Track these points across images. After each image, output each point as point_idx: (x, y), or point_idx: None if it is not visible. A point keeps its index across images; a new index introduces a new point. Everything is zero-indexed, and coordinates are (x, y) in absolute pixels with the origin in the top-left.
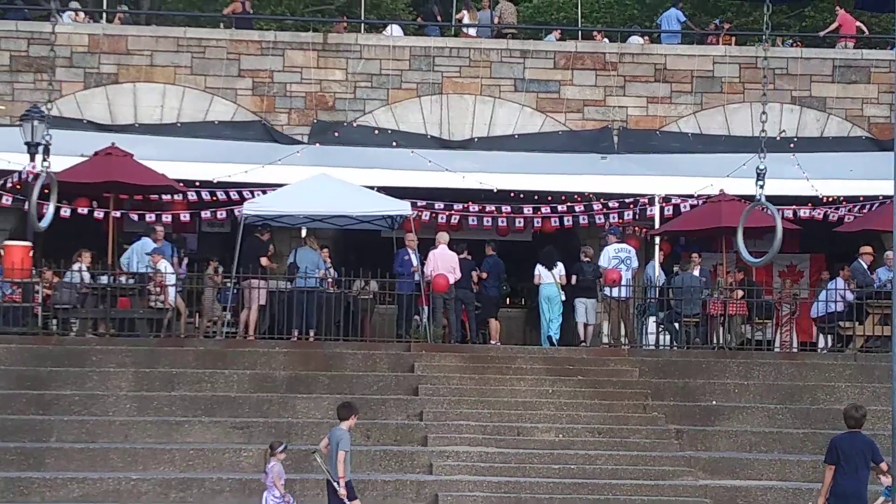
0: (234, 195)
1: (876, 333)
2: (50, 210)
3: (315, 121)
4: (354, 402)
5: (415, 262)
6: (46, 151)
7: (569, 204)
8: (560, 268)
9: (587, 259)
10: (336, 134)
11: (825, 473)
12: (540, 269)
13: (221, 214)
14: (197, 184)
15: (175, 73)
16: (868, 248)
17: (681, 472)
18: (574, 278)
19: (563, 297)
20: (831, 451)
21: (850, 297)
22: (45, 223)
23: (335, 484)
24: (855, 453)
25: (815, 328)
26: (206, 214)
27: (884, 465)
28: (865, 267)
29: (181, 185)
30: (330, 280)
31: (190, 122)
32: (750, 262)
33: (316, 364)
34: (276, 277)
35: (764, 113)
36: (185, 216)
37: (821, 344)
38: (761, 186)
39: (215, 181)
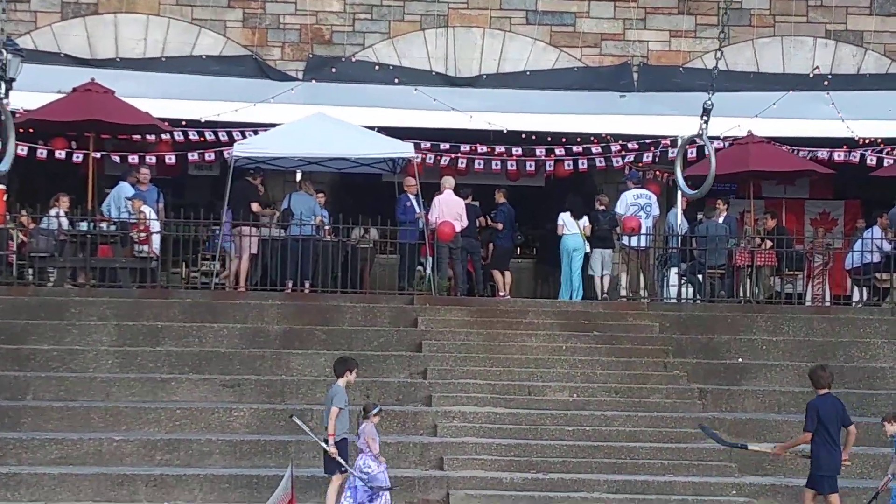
0: (223, 136)
1: None
2: (9, 150)
3: (310, 55)
4: (352, 357)
5: (418, 208)
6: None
7: (584, 146)
8: (585, 218)
9: (602, 207)
10: (333, 70)
11: (799, 437)
12: (564, 218)
13: (210, 156)
14: (183, 123)
15: (159, 3)
16: None
17: (704, 435)
18: (588, 228)
19: (588, 250)
20: (811, 417)
21: (887, 246)
22: (3, 167)
23: (323, 444)
24: (833, 418)
25: (850, 280)
26: (193, 156)
27: (853, 429)
28: None
29: (166, 124)
30: (327, 228)
31: (175, 56)
32: (687, 194)
33: (311, 318)
34: (268, 225)
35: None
36: (170, 158)
37: (855, 297)
38: (706, 121)
39: (203, 120)
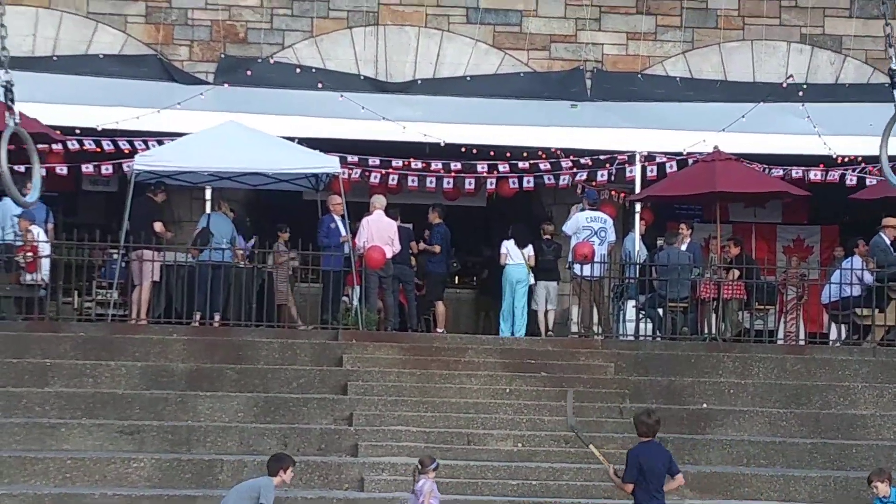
0: (123, 145)
1: None
2: (35, 178)
3: (222, 56)
4: (288, 455)
5: (343, 231)
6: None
7: (531, 162)
8: (530, 247)
9: (547, 236)
10: (248, 72)
11: (623, 483)
12: (508, 247)
13: (107, 169)
14: (77, 131)
15: None
16: (892, 221)
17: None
18: (532, 258)
19: (533, 281)
20: (632, 467)
21: (868, 278)
22: (31, 197)
23: None
24: (656, 468)
25: (827, 316)
26: (87, 169)
27: (680, 478)
28: (889, 243)
29: (57, 132)
30: (241, 253)
31: (69, 55)
32: None
33: (222, 355)
34: (176, 248)
35: None
36: (62, 170)
37: (833, 335)
38: None
39: (99, 128)
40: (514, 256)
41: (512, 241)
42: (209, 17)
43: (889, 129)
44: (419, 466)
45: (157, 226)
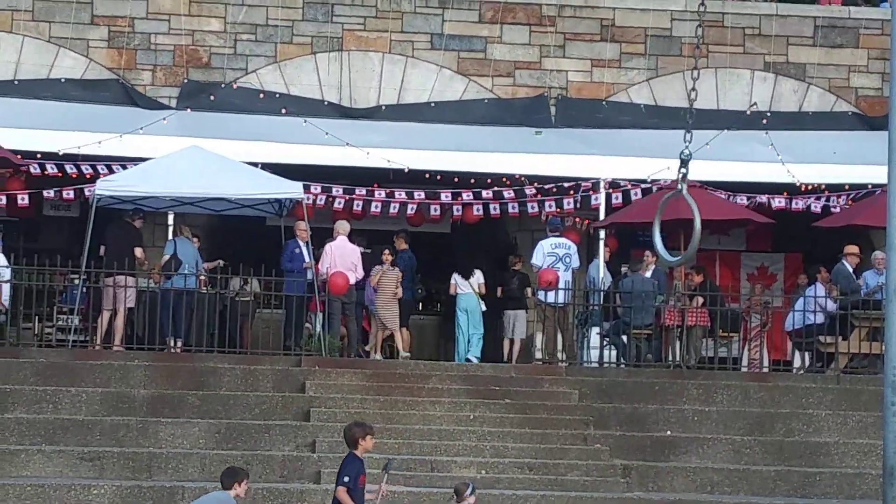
0: (85, 170)
1: (863, 351)
2: None
3: (186, 80)
4: (242, 468)
5: (307, 256)
6: None
7: (496, 189)
8: (479, 276)
9: (515, 267)
10: (211, 97)
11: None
12: (456, 278)
13: (68, 194)
14: (38, 156)
15: (12, 19)
16: (854, 248)
17: None
18: (499, 290)
19: (484, 308)
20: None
21: (831, 306)
22: None
23: None
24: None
25: (791, 343)
26: (49, 194)
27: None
28: (851, 270)
29: (18, 157)
30: (203, 278)
31: (30, 79)
32: (667, 262)
33: (184, 381)
34: (145, 274)
35: (694, 82)
36: (22, 198)
37: (797, 363)
38: (684, 176)
39: (61, 153)
40: (462, 287)
41: (458, 274)
42: (172, 41)
43: (663, 206)
44: (455, 495)
45: (139, 251)
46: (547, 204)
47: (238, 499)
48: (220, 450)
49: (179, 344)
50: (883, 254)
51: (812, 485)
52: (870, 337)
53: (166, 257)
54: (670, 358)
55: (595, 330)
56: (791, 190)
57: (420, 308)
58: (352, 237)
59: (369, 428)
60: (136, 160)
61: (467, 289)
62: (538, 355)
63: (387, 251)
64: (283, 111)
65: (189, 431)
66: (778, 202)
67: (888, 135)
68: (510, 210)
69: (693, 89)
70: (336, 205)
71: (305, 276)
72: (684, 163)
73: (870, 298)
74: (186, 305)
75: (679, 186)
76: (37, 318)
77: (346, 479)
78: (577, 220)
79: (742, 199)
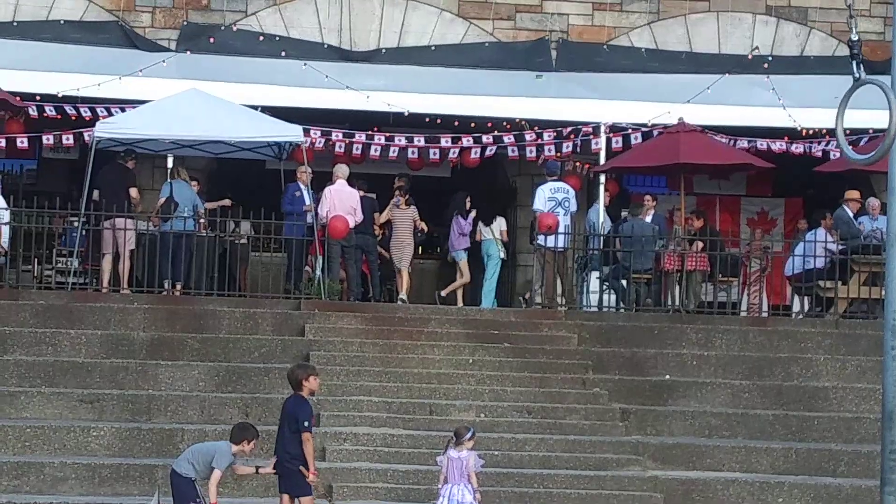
0: (84, 112)
1: (862, 296)
2: None
3: (185, 23)
4: (255, 427)
5: (307, 199)
6: None
7: (496, 133)
8: (500, 222)
9: None
10: (211, 40)
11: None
12: (480, 225)
13: (67, 137)
14: (37, 98)
15: None
16: (855, 193)
17: (626, 461)
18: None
19: (503, 256)
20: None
21: (834, 248)
22: None
23: None
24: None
25: (790, 288)
26: (48, 140)
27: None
28: (851, 215)
29: (17, 99)
30: (203, 221)
31: (29, 20)
32: (855, 159)
33: (183, 324)
34: (142, 216)
35: None
36: (22, 141)
37: (796, 307)
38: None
39: (60, 95)
40: (485, 233)
41: (479, 221)
42: None
43: (845, 102)
44: (454, 438)
45: (134, 191)
46: (546, 148)
47: (241, 454)
48: (220, 392)
49: (179, 287)
50: (877, 201)
51: (810, 429)
52: (869, 282)
53: (162, 200)
54: (669, 302)
55: (595, 274)
56: (792, 134)
57: (419, 252)
58: (351, 181)
59: (312, 368)
60: (136, 103)
61: (488, 235)
62: (537, 300)
63: (398, 191)
64: (283, 54)
65: (188, 374)
66: (778, 146)
67: (890, 79)
68: (510, 154)
69: None
70: (336, 149)
71: (305, 218)
72: (854, 47)
73: (871, 244)
74: (186, 248)
75: (857, 74)
76: (36, 260)
77: (307, 423)
78: (577, 164)
79: (743, 144)
